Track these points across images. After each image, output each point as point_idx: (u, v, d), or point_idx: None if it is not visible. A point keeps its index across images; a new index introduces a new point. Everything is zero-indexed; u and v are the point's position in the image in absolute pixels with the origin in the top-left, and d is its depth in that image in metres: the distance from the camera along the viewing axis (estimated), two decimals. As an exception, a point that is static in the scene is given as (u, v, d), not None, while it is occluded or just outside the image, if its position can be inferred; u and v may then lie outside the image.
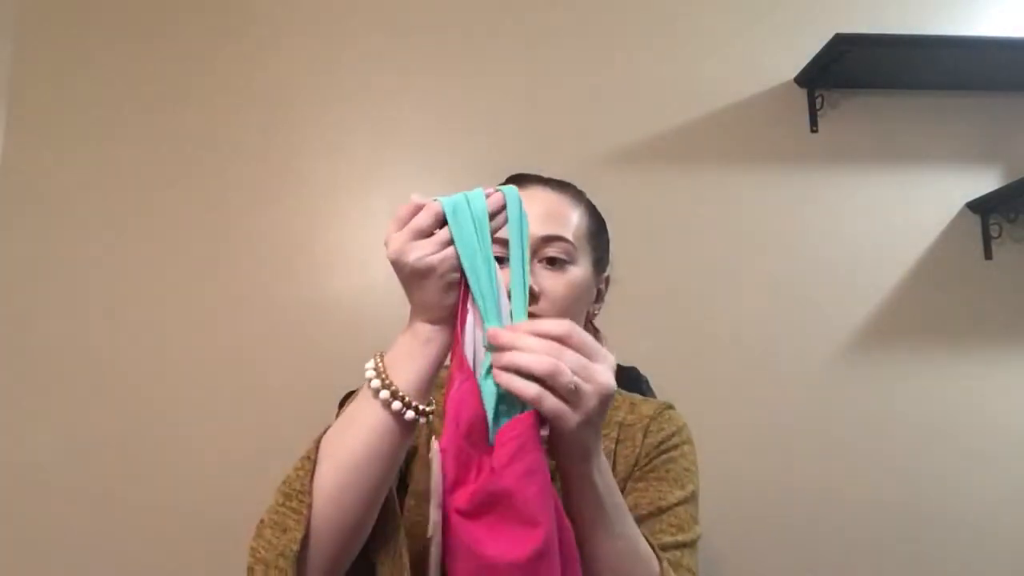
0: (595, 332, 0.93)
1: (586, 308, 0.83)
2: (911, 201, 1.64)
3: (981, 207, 1.63)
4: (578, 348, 0.55)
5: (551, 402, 0.54)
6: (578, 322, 0.80)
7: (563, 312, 0.75)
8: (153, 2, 1.60)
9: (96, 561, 1.38)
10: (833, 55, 1.55)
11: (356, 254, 1.54)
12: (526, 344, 0.55)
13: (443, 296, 0.59)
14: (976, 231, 1.64)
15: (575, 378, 0.54)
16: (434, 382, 0.62)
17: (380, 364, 0.61)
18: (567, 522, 0.58)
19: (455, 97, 1.62)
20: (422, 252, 0.58)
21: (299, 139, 1.57)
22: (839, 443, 1.52)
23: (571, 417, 0.54)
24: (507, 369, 0.55)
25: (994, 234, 1.62)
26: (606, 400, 0.56)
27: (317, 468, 0.61)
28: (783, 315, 1.57)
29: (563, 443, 0.59)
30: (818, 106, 1.65)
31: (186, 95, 1.57)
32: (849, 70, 1.59)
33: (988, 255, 1.62)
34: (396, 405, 0.59)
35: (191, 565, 1.38)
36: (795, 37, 1.66)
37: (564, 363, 0.54)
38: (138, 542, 1.39)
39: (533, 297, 0.72)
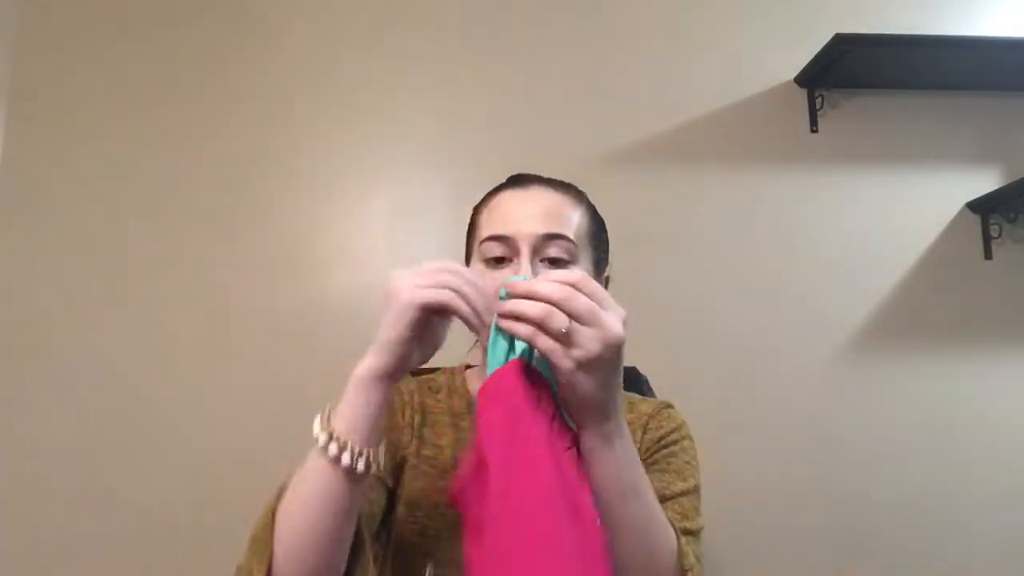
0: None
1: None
2: (911, 201, 1.64)
3: (981, 207, 1.63)
4: (589, 295, 0.57)
5: (543, 340, 0.57)
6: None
7: None
8: (153, 2, 1.60)
9: (96, 561, 1.38)
10: (833, 55, 1.55)
11: (356, 254, 1.54)
12: (539, 289, 0.57)
13: (409, 331, 0.61)
14: (976, 231, 1.64)
15: (570, 322, 0.56)
16: (378, 426, 0.62)
17: (325, 414, 0.62)
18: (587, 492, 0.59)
19: (455, 97, 1.62)
20: (429, 280, 0.61)
21: (299, 139, 1.57)
22: (839, 443, 1.52)
23: (564, 356, 0.56)
24: (507, 316, 0.58)
25: (994, 234, 1.62)
26: (612, 348, 0.57)
27: (276, 514, 0.61)
28: (783, 315, 1.57)
29: (570, 394, 0.59)
30: (818, 106, 1.65)
31: (186, 95, 1.57)
32: (849, 70, 1.59)
33: (988, 255, 1.62)
34: (333, 449, 0.59)
35: (191, 565, 1.38)
36: (795, 37, 1.65)
37: (576, 306, 0.56)
38: (138, 542, 1.39)
39: None
